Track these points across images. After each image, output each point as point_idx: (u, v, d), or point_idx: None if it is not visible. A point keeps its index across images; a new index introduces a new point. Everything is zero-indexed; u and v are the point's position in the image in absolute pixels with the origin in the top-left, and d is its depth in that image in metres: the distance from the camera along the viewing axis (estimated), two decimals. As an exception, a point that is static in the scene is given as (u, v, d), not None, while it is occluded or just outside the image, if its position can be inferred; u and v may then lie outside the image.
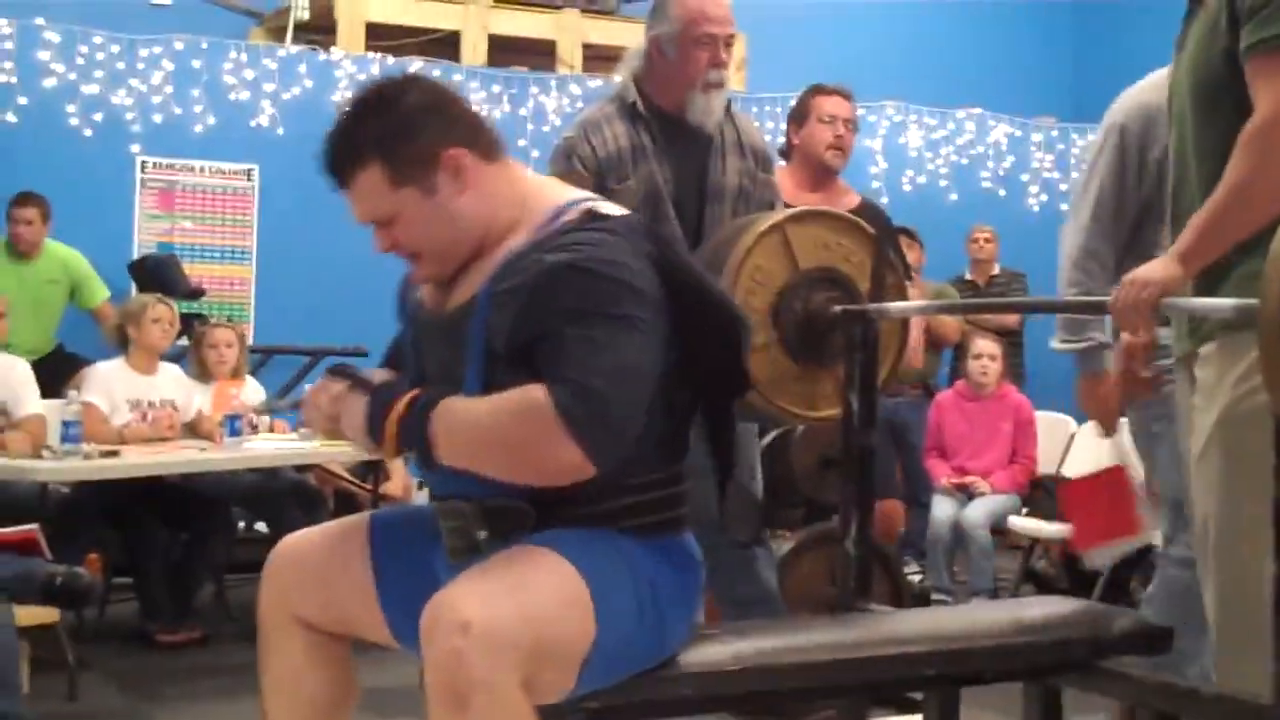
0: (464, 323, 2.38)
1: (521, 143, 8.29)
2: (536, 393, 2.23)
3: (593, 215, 2.37)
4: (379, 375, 2.48)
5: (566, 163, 3.96)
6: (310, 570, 2.57)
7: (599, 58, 8.80)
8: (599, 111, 4.07)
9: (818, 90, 5.03)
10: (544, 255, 2.30)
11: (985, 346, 7.10)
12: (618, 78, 4.23)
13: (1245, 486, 2.73)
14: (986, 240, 8.64)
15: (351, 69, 8.19)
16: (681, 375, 2.41)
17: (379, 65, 8.15)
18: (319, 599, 2.55)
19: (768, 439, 5.65)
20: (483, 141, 2.44)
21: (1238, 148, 2.71)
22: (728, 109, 4.11)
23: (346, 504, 6.51)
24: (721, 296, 2.48)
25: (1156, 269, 2.76)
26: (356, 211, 2.42)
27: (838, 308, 3.65)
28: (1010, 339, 7.94)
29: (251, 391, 6.54)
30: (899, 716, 3.81)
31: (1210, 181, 2.79)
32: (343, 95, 7.77)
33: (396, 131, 2.36)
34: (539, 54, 8.97)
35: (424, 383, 2.46)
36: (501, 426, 2.26)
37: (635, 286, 2.29)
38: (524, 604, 2.18)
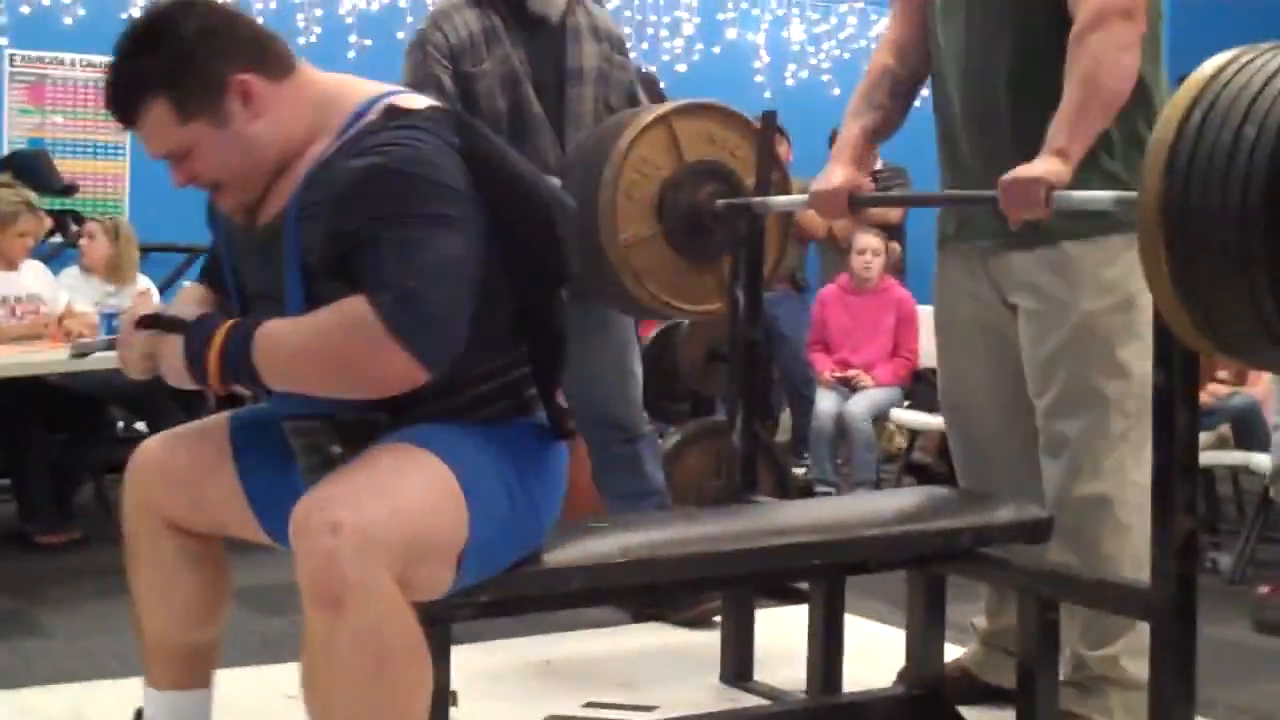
0: (276, 239, 2.31)
1: (400, 35, 8.15)
2: (357, 304, 2.17)
3: (393, 112, 2.31)
4: (190, 310, 2.40)
5: (420, 52, 3.93)
6: (174, 472, 2.52)
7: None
8: (449, 3, 4.04)
9: None
10: (348, 162, 2.24)
11: (868, 241, 7.14)
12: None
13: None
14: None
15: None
16: (503, 267, 2.35)
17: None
18: (186, 500, 2.52)
19: (652, 334, 5.68)
20: (270, 60, 2.34)
21: (1075, 43, 2.87)
22: None
23: (227, 404, 6.42)
24: (536, 184, 2.40)
25: (1038, 166, 2.81)
26: (148, 150, 2.33)
27: (721, 201, 3.65)
28: (891, 234, 7.98)
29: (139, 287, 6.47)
30: (785, 606, 3.87)
31: (1021, 80, 3.00)
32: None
33: (177, 64, 2.27)
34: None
35: (245, 301, 2.42)
36: (325, 344, 2.21)
37: (445, 183, 2.24)
38: (393, 500, 2.14)
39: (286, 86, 2.34)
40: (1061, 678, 3.01)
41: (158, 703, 2.59)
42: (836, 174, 3.28)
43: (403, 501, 2.15)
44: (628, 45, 4.31)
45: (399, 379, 2.20)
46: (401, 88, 2.47)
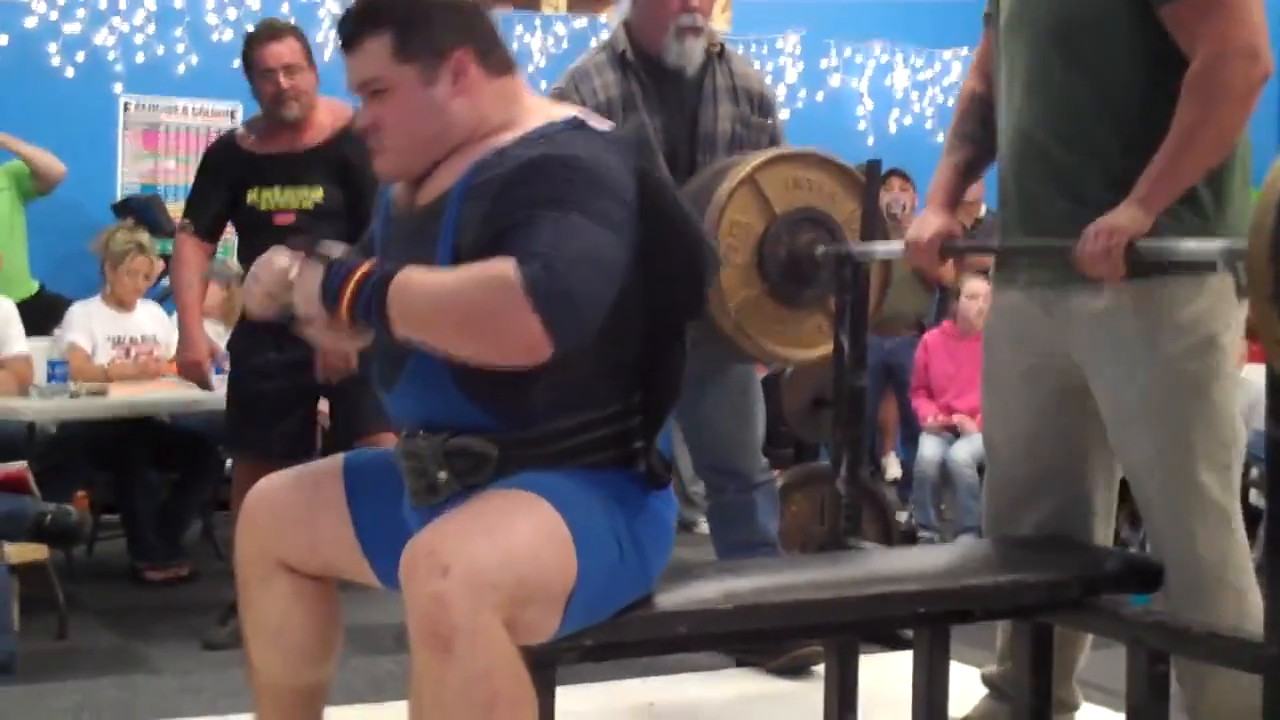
0: (434, 220, 2.36)
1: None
2: (503, 264, 2.18)
3: (579, 123, 2.38)
4: (339, 248, 2.41)
5: None
6: (288, 514, 2.55)
7: (584, -2, 8.76)
8: (589, 60, 4.05)
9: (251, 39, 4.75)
10: (524, 150, 2.30)
11: (977, 286, 7.10)
12: (604, 19, 4.21)
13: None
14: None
15: (335, 8, 8.13)
16: (642, 293, 2.37)
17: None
18: (300, 541, 2.54)
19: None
20: (494, 56, 2.43)
21: (1186, 90, 2.80)
22: (722, 52, 4.08)
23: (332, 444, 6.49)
24: (694, 221, 2.44)
25: (1121, 217, 2.79)
26: (351, 76, 2.41)
27: (821, 248, 3.65)
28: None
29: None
30: (889, 653, 3.84)
31: (1121, 119, 2.89)
32: (325, 35, 7.72)
33: (415, 14, 2.37)
34: (524, -7, 8.93)
35: None
36: (463, 295, 2.21)
37: (613, 188, 2.27)
38: (503, 544, 2.15)
39: (496, 84, 2.43)
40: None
41: None
42: (930, 222, 3.25)
43: (513, 544, 2.16)
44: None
45: (525, 346, 2.18)
46: (595, 113, 2.53)
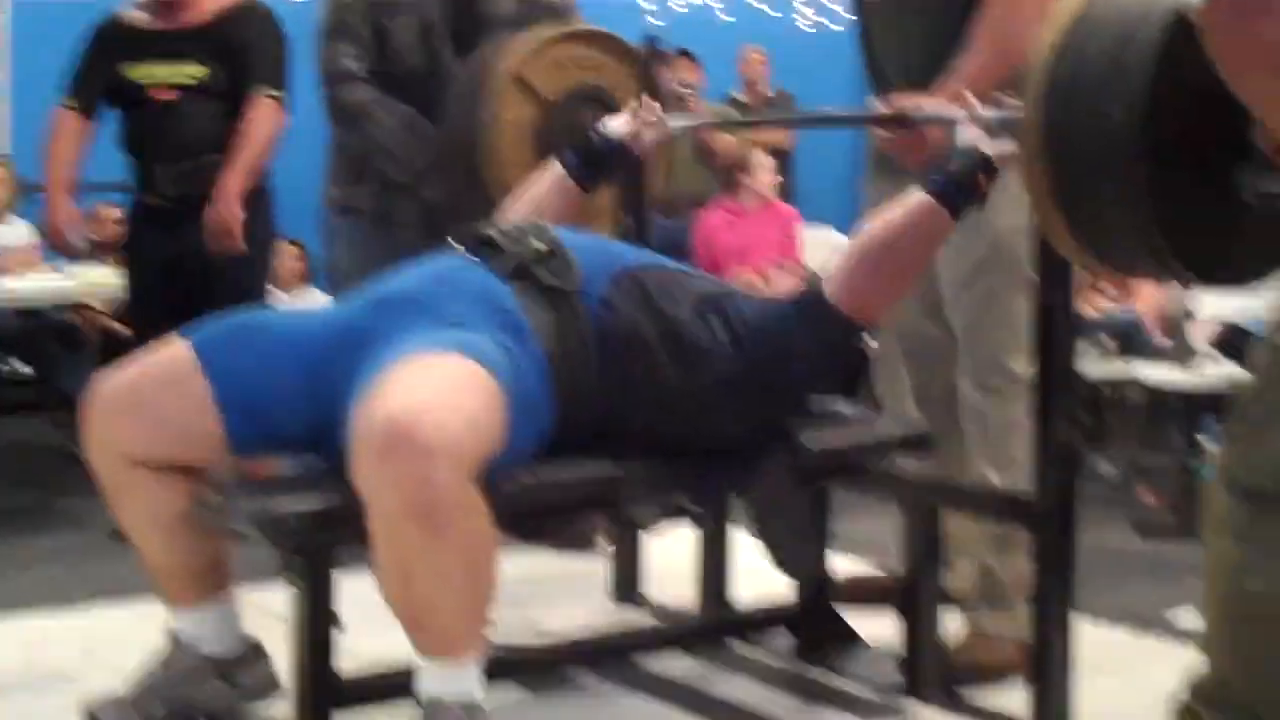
0: None
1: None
2: None
3: None
4: None
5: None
6: (124, 403, 2.52)
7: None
8: None
9: None
10: None
11: (763, 161, 7.19)
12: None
13: None
14: (759, 60, 8.66)
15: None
16: None
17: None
18: (147, 423, 2.52)
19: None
20: None
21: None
22: None
23: (110, 345, 6.39)
24: None
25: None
26: None
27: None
28: (781, 159, 8.02)
29: (14, 232, 6.38)
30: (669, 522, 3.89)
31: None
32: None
33: None
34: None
35: None
36: None
37: None
38: (467, 415, 2.23)
39: None
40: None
41: (187, 619, 2.67)
42: None
43: (473, 413, 2.26)
44: None
45: None
46: None
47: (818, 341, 2.61)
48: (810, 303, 2.63)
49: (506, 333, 2.48)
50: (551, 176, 3.06)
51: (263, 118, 4.51)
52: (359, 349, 2.44)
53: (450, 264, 2.64)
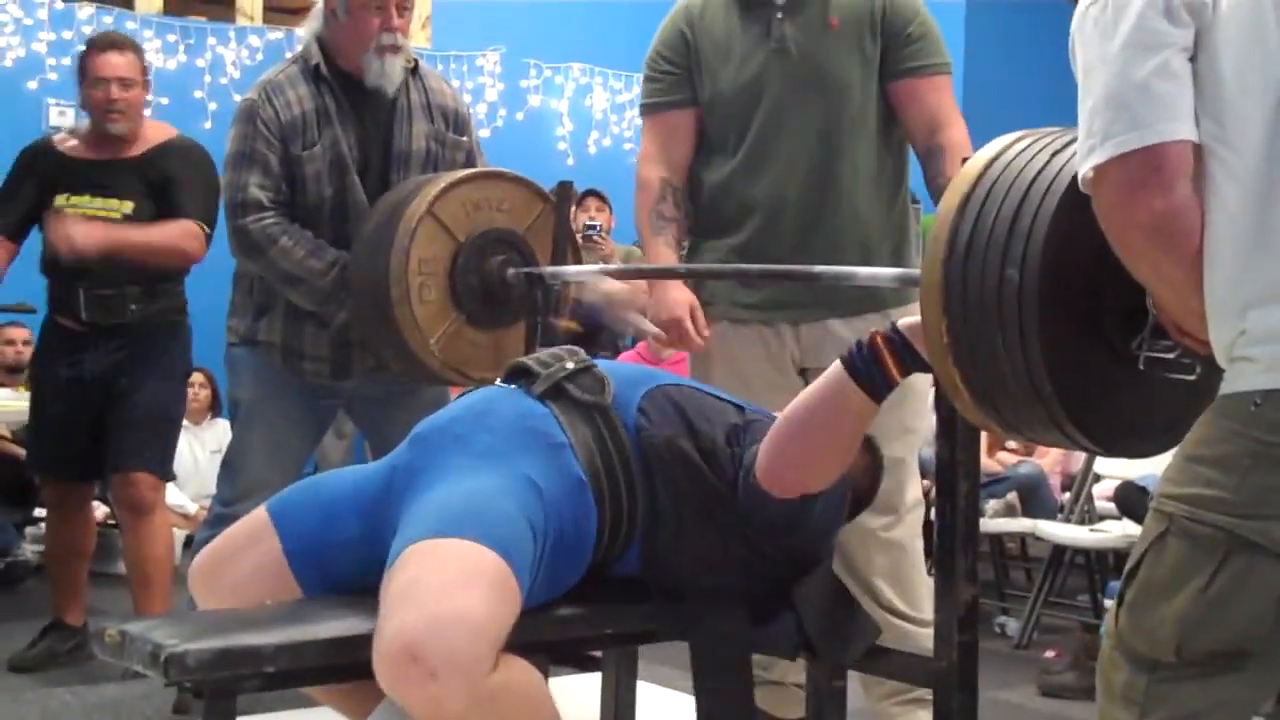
0: None
1: (199, 94, 8.06)
2: None
3: None
4: None
5: (249, 126, 3.87)
6: (213, 569, 2.71)
7: (279, 9, 8.61)
8: (282, 73, 3.96)
9: (90, 46, 4.79)
10: None
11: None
12: (300, 32, 4.13)
13: None
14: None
15: (17, 12, 7.85)
16: None
17: (47, 10, 7.83)
18: (229, 593, 2.65)
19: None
20: None
21: (949, 152, 3.21)
22: (415, 69, 4.04)
23: (6, 465, 6.32)
24: None
25: None
26: None
27: (511, 271, 3.64)
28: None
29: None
30: (579, 674, 3.85)
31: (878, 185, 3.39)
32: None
33: None
34: (218, 3, 8.72)
35: None
36: None
37: None
38: (471, 617, 2.24)
39: None
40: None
41: None
42: (678, 300, 3.48)
43: (477, 612, 2.26)
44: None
45: None
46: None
47: (766, 523, 2.65)
48: (743, 486, 2.66)
49: (541, 456, 2.55)
50: None
51: (180, 227, 4.56)
52: (403, 490, 2.57)
53: (487, 395, 2.75)
